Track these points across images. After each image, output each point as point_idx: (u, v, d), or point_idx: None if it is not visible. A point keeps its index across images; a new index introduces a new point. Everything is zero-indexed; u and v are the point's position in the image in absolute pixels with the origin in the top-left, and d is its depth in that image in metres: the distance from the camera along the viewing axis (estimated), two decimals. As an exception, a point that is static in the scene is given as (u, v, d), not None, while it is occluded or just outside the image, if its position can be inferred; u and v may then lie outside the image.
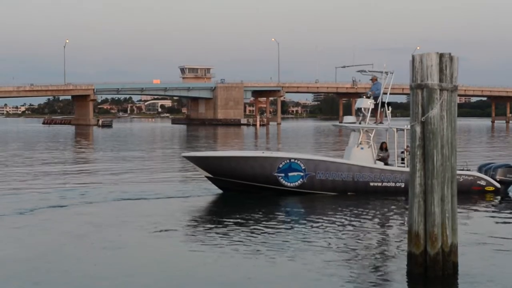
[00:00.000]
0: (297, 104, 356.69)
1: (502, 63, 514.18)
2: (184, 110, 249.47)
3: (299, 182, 24.57)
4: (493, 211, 21.58)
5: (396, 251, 14.94)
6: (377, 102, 25.54)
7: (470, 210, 21.37)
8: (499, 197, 24.17)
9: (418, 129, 12.22)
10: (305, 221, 19.43)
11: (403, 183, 24.16)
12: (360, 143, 25.12)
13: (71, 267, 13.76)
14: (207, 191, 25.70)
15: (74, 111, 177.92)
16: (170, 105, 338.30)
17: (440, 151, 12.10)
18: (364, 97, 25.82)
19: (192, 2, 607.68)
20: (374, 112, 25.66)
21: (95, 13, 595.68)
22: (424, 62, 12.08)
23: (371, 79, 26.20)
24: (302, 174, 24.54)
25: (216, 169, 25.17)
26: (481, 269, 13.47)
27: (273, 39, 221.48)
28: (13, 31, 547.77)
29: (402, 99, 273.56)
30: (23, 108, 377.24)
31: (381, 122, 25.68)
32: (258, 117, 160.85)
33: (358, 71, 26.45)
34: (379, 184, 24.57)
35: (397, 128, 25.44)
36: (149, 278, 12.83)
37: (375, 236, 17.29)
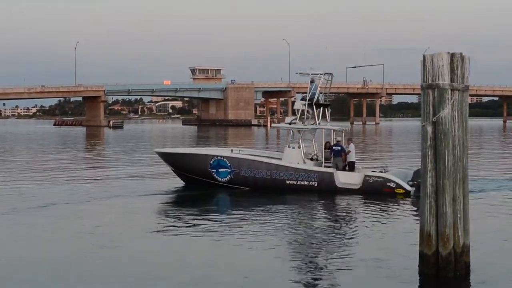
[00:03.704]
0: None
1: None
2: (194, 111, 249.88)
3: (227, 177, 26.82)
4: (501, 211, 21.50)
5: (406, 251, 14.86)
6: (308, 103, 26.85)
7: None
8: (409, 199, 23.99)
9: (429, 129, 12.16)
10: (305, 220, 19.52)
11: (316, 182, 25.41)
12: (292, 143, 26.50)
13: (72, 266, 13.87)
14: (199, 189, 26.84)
15: (85, 113, 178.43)
16: (181, 106, 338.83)
17: (452, 152, 12.05)
18: (300, 98, 27.46)
19: (203, 2, 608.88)
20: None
21: (106, 15, 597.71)
22: (435, 62, 12.03)
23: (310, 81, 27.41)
24: (229, 170, 26.74)
25: (174, 164, 28.24)
26: (493, 269, 13.43)
27: (283, 39, 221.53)
28: (24, 32, 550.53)
29: (413, 99, 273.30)
30: (34, 110, 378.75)
31: (315, 123, 26.79)
32: (268, 117, 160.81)
33: (298, 73, 29.32)
34: (294, 182, 25.78)
35: (324, 129, 26.97)
36: (151, 277, 12.90)
37: (383, 235, 17.25)
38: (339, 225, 19.09)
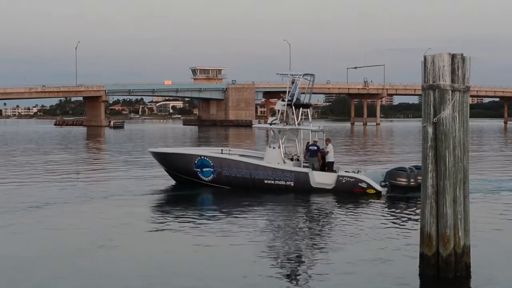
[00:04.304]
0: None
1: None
2: (195, 111, 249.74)
3: (211, 177, 27.29)
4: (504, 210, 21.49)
5: (407, 252, 14.85)
6: (288, 103, 27.01)
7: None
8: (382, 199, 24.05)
9: (430, 130, 12.15)
10: (299, 220, 19.57)
11: (292, 182, 25.69)
12: (272, 143, 26.88)
13: (72, 266, 13.86)
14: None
15: (85, 113, 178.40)
16: (182, 106, 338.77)
17: (452, 152, 12.04)
18: (280, 99, 27.69)
19: (203, 3, 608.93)
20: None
21: (106, 14, 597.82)
22: (436, 62, 12.02)
23: (291, 82, 27.54)
24: (212, 170, 27.22)
25: (165, 163, 28.80)
26: (494, 270, 13.41)
27: (284, 40, 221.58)
28: (25, 32, 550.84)
29: (414, 100, 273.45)
30: (35, 110, 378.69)
31: (294, 123, 26.98)
32: (269, 118, 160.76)
33: (279, 74, 29.76)
34: (272, 181, 26.12)
35: (302, 129, 27.11)
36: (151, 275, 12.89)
37: (384, 237, 17.22)
38: (334, 226, 19.05)
